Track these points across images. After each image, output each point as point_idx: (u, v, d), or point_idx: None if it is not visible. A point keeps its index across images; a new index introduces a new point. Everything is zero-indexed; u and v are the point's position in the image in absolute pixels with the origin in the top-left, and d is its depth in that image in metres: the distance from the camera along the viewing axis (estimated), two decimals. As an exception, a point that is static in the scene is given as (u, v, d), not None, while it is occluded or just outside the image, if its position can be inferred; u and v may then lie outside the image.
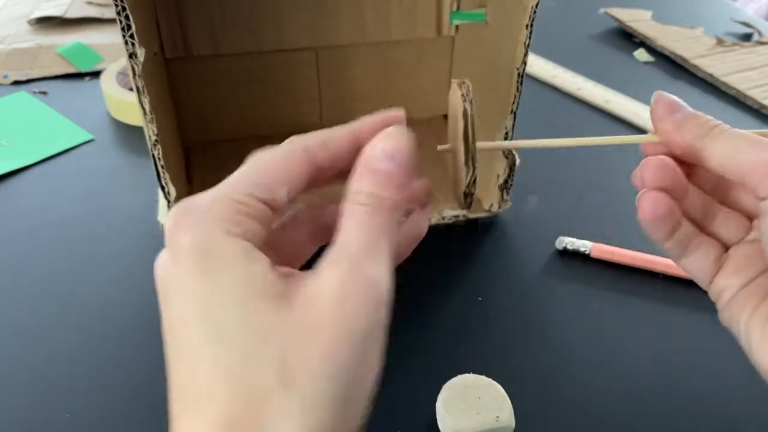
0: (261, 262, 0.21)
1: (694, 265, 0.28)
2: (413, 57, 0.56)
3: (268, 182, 0.23)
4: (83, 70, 0.69)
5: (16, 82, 0.67)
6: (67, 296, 0.44)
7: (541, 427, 0.37)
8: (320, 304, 0.20)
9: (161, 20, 0.49)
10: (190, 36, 0.50)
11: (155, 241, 0.47)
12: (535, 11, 0.40)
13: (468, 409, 0.35)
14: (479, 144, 0.27)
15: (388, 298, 0.21)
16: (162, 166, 0.39)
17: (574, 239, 0.48)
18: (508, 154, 0.46)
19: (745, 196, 0.28)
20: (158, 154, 0.39)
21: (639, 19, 0.80)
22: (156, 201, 0.45)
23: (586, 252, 0.47)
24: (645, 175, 0.27)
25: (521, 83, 0.43)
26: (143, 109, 0.37)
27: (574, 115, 0.65)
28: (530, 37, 0.41)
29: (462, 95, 0.26)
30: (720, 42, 0.76)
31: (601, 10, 0.83)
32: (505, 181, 0.47)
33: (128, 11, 0.34)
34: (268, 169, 0.24)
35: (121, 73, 0.64)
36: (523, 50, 0.41)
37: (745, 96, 0.67)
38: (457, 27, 0.55)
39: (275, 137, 0.62)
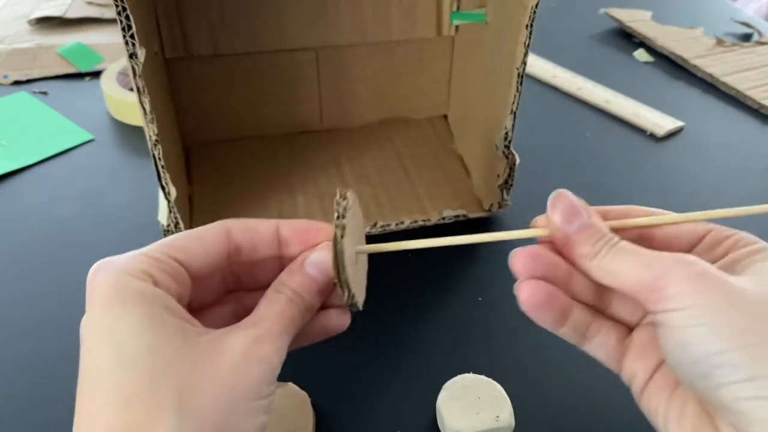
0: (165, 303, 0.24)
1: (596, 350, 0.28)
2: (413, 57, 0.56)
3: (184, 246, 0.26)
4: (83, 70, 0.69)
5: (17, 82, 0.67)
6: (68, 296, 0.44)
7: (541, 427, 0.37)
8: (226, 355, 0.23)
9: (161, 20, 0.49)
10: (190, 36, 0.50)
11: (155, 241, 0.47)
12: (534, 11, 0.40)
13: (468, 409, 0.35)
14: (359, 248, 0.28)
15: (276, 369, 0.25)
16: (162, 166, 0.39)
17: (574, 239, 0.48)
18: (508, 154, 0.46)
19: None
20: (158, 154, 0.39)
21: (639, 20, 0.80)
22: (156, 201, 0.45)
23: (586, 252, 0.47)
24: (516, 266, 0.27)
25: (521, 83, 0.43)
26: (143, 109, 0.37)
27: (574, 115, 0.65)
28: (530, 37, 0.41)
29: (336, 215, 0.26)
30: (720, 42, 0.76)
31: (601, 11, 0.83)
32: (505, 181, 0.47)
33: (128, 11, 0.34)
34: (187, 236, 0.27)
35: (122, 73, 0.64)
36: (523, 50, 0.41)
37: (745, 96, 0.67)
38: (457, 27, 0.55)
39: (275, 137, 0.63)
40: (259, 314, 0.26)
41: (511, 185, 0.48)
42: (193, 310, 0.27)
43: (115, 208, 0.52)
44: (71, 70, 0.69)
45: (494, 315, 0.43)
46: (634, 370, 0.27)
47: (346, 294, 0.26)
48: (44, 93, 0.66)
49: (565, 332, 0.28)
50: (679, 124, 0.63)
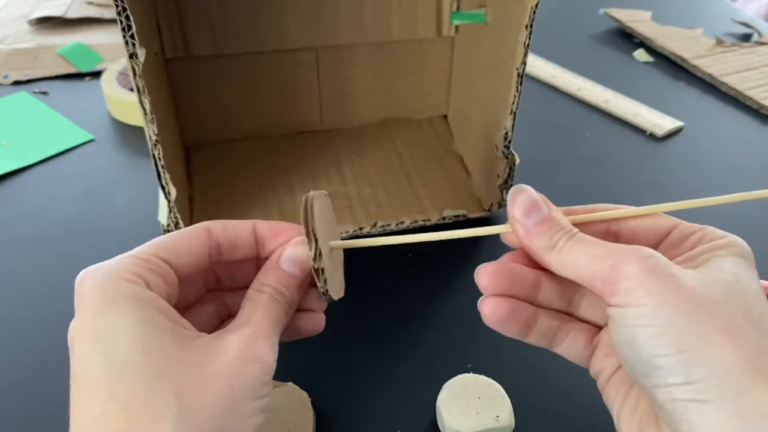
0: (156, 305, 0.24)
1: (565, 352, 0.29)
2: (413, 57, 0.57)
3: (171, 246, 0.27)
4: (83, 70, 0.69)
5: (17, 82, 0.67)
6: (68, 296, 0.44)
7: (541, 427, 0.37)
8: (221, 357, 0.24)
9: (161, 20, 0.49)
10: (190, 36, 0.50)
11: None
12: (534, 11, 0.40)
13: (468, 409, 0.35)
14: (333, 243, 0.29)
15: (271, 367, 0.25)
16: (162, 166, 0.39)
17: (574, 239, 0.48)
18: (508, 154, 0.46)
19: None
20: (158, 154, 0.39)
21: (638, 20, 0.80)
22: (156, 201, 0.45)
23: (586, 252, 0.47)
24: (481, 282, 0.28)
25: (521, 83, 0.43)
26: (143, 109, 0.37)
27: (573, 115, 0.65)
28: (530, 38, 0.41)
29: (304, 198, 0.28)
30: (719, 42, 0.76)
31: (601, 11, 0.83)
32: (505, 181, 0.47)
33: (129, 11, 0.34)
34: (172, 237, 0.27)
35: (122, 74, 0.64)
36: (523, 50, 0.41)
37: (745, 96, 0.67)
38: (456, 27, 0.55)
39: (275, 137, 0.63)
40: (246, 315, 0.26)
41: (511, 185, 0.48)
42: (178, 310, 0.27)
43: (115, 208, 0.52)
44: (71, 70, 0.69)
45: (494, 315, 0.43)
46: (600, 367, 0.28)
47: (313, 245, 0.27)
48: (44, 93, 0.66)
49: (532, 340, 0.29)
50: (678, 124, 0.63)
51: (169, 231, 0.42)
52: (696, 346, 0.22)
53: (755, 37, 0.80)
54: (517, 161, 0.46)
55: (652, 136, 0.62)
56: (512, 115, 0.44)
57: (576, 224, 0.27)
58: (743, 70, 0.71)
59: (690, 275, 0.24)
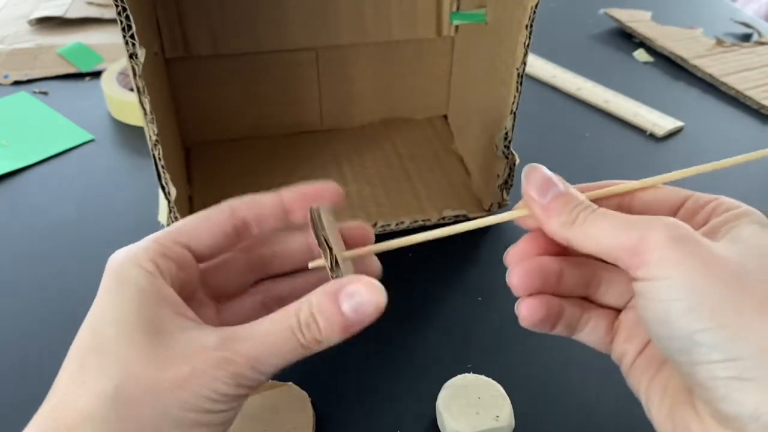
0: (158, 294, 0.25)
1: (587, 338, 0.29)
2: (413, 57, 0.57)
3: (190, 230, 0.27)
4: (83, 70, 0.69)
5: (17, 82, 0.67)
6: (68, 296, 0.44)
7: (541, 427, 0.37)
8: (175, 361, 0.23)
9: (162, 20, 0.49)
10: (190, 36, 0.50)
11: (155, 241, 0.47)
12: (534, 11, 0.40)
13: (468, 409, 0.35)
14: (347, 253, 0.28)
15: (221, 394, 0.23)
16: (162, 166, 0.39)
17: (574, 239, 0.48)
18: (508, 154, 0.46)
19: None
20: (159, 154, 0.39)
21: (638, 20, 0.80)
22: (156, 201, 0.45)
23: (586, 252, 0.47)
24: (513, 283, 0.27)
25: (521, 83, 0.43)
26: (144, 109, 0.37)
27: (573, 115, 0.65)
28: (530, 38, 0.41)
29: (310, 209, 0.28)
30: (719, 42, 0.76)
31: (601, 11, 0.83)
32: (505, 181, 0.47)
33: (129, 11, 0.34)
34: (194, 220, 0.28)
35: (122, 74, 0.64)
36: (523, 50, 0.41)
37: (745, 96, 0.67)
38: (456, 27, 0.55)
39: (275, 137, 0.63)
40: (250, 331, 0.24)
41: (511, 185, 0.48)
42: (218, 299, 0.29)
43: (115, 208, 0.52)
44: (71, 70, 0.69)
45: (494, 315, 0.43)
46: (622, 351, 0.27)
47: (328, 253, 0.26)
48: (44, 93, 0.66)
49: (556, 331, 0.28)
50: (678, 124, 0.63)
51: (169, 231, 0.42)
52: (735, 320, 0.21)
53: (755, 37, 0.80)
54: (517, 161, 0.46)
55: (653, 136, 0.62)
56: (512, 115, 0.44)
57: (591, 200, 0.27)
58: (743, 70, 0.71)
59: (719, 245, 0.23)
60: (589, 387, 0.39)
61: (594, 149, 0.60)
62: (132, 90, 0.59)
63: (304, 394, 0.36)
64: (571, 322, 0.28)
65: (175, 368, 0.23)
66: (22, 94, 0.65)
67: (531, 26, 0.40)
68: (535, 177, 0.27)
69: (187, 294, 0.28)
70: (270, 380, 0.37)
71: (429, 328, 0.42)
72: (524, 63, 0.42)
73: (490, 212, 0.50)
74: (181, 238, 0.27)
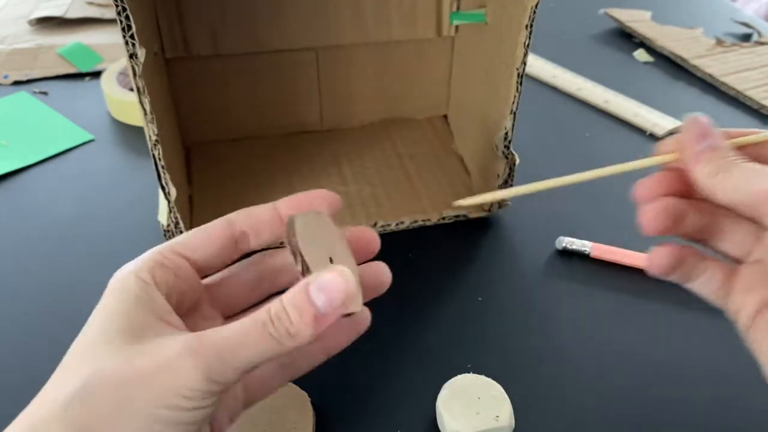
0: (150, 305, 0.25)
1: (701, 289, 0.29)
2: (413, 57, 0.57)
3: (189, 242, 0.28)
4: (83, 70, 0.69)
5: (17, 82, 0.67)
6: (68, 296, 0.44)
7: (541, 427, 0.37)
8: (149, 357, 0.24)
9: (161, 20, 0.49)
10: (190, 36, 0.50)
11: (155, 241, 0.47)
12: (534, 11, 0.40)
13: (468, 409, 0.35)
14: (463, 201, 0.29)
15: (192, 389, 0.23)
16: (162, 166, 0.39)
17: (574, 239, 0.48)
18: (508, 154, 0.46)
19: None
20: (159, 154, 0.39)
21: (638, 20, 0.80)
22: (156, 201, 0.45)
23: (586, 252, 0.47)
24: (645, 222, 0.28)
25: (521, 83, 0.43)
26: (143, 109, 0.37)
27: (573, 116, 0.65)
28: (530, 38, 0.41)
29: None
30: (719, 42, 0.76)
31: (601, 11, 0.83)
32: (505, 181, 0.47)
33: (129, 11, 0.34)
34: (193, 232, 0.29)
35: (122, 74, 0.64)
36: (523, 50, 0.41)
37: (745, 96, 0.67)
38: (456, 27, 0.55)
39: (275, 137, 0.63)
40: (223, 328, 0.24)
41: (511, 185, 0.48)
42: (229, 314, 0.29)
43: (115, 208, 0.52)
44: (71, 70, 0.69)
45: (494, 315, 0.43)
46: (740, 304, 0.27)
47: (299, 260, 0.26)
48: (44, 93, 0.66)
49: (673, 277, 0.28)
50: (678, 124, 0.63)
51: (169, 231, 0.42)
52: None
53: (755, 37, 0.80)
54: (517, 161, 0.46)
55: (653, 136, 0.62)
56: (512, 115, 0.44)
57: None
58: (743, 70, 0.71)
59: None
60: (590, 387, 0.39)
61: (594, 149, 0.60)
62: (132, 90, 0.59)
63: (304, 394, 0.36)
64: (688, 268, 0.28)
65: (144, 362, 0.23)
66: (22, 94, 0.65)
67: (531, 26, 0.40)
68: (695, 125, 0.27)
69: (189, 305, 0.28)
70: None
71: (429, 328, 0.42)
72: (524, 63, 0.42)
73: (490, 212, 0.50)
74: (179, 248, 0.28)
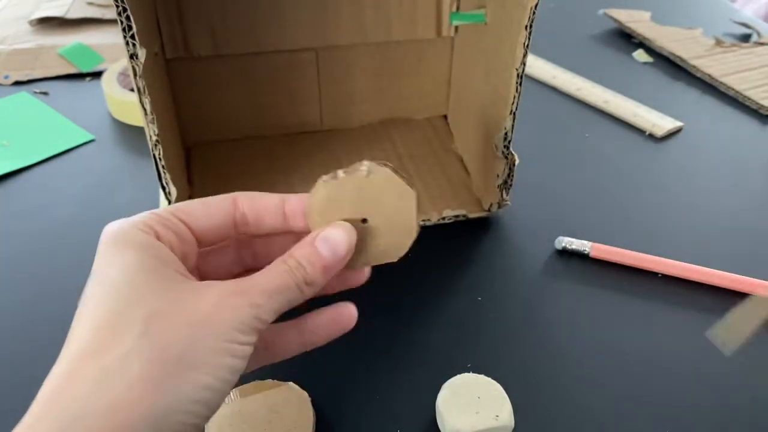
0: (160, 253, 0.26)
1: None
2: (413, 57, 0.57)
3: (190, 209, 0.28)
4: (84, 70, 0.69)
5: (17, 83, 0.67)
6: (68, 296, 0.44)
7: (541, 426, 0.37)
8: (199, 297, 0.25)
9: (162, 21, 0.49)
10: (190, 36, 0.50)
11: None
12: (534, 12, 0.40)
13: (467, 409, 0.35)
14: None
15: (247, 322, 0.25)
16: (163, 166, 0.39)
17: (574, 239, 0.48)
18: (507, 154, 0.46)
19: None
20: (159, 154, 0.39)
21: (638, 20, 0.80)
22: (156, 201, 0.45)
23: (586, 252, 0.47)
24: None
25: (521, 84, 0.43)
26: (144, 109, 0.37)
27: (573, 116, 0.65)
28: (529, 38, 0.41)
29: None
30: (719, 42, 0.76)
31: (601, 11, 0.83)
32: (505, 181, 0.47)
33: (129, 12, 0.34)
34: (194, 201, 0.29)
35: (122, 74, 0.64)
36: (523, 51, 0.41)
37: (744, 96, 0.67)
38: (456, 27, 0.55)
39: (275, 137, 0.63)
40: (253, 276, 0.27)
41: (511, 185, 0.48)
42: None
43: (115, 208, 0.52)
44: (72, 70, 0.69)
45: (494, 315, 0.43)
46: None
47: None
48: (45, 93, 0.66)
49: None
50: (678, 124, 0.63)
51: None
52: None
53: (754, 38, 0.80)
54: (517, 161, 0.47)
55: (652, 136, 0.62)
56: (512, 115, 0.44)
57: None
58: (742, 70, 0.71)
59: None
60: (590, 387, 0.39)
61: (594, 149, 0.60)
62: (132, 90, 0.60)
63: (304, 394, 0.36)
64: None
65: (203, 302, 0.25)
66: (23, 95, 0.65)
67: (531, 26, 0.40)
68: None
69: (189, 268, 0.29)
70: (270, 380, 0.37)
71: (429, 328, 0.42)
72: (524, 63, 0.42)
73: (489, 212, 0.50)
74: (178, 213, 0.28)
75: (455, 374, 0.37)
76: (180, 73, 0.52)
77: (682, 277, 0.46)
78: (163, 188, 0.40)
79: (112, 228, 0.27)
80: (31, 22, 0.76)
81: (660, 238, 0.49)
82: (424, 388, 0.38)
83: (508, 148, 0.46)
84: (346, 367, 0.40)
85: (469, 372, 0.37)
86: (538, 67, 0.72)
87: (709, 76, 0.70)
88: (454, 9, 0.54)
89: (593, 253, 0.47)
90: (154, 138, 0.38)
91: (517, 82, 0.43)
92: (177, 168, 0.46)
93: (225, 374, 0.24)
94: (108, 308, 0.24)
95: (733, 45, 0.76)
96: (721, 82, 0.69)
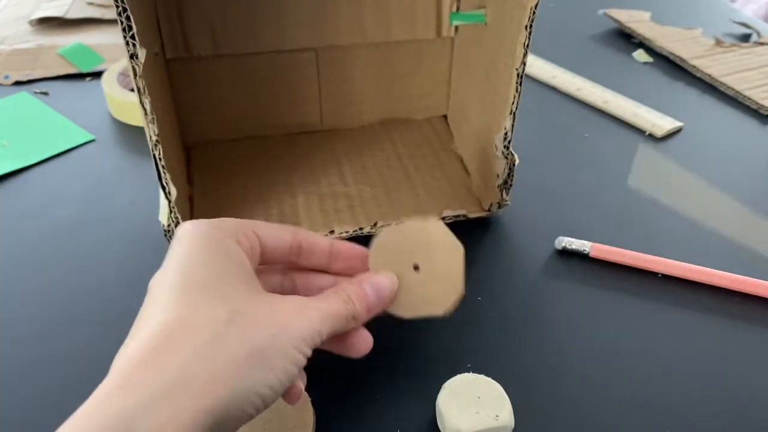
0: (240, 258, 0.29)
1: None
2: (413, 57, 0.57)
3: (263, 227, 0.31)
4: (84, 70, 0.69)
5: (17, 83, 0.67)
6: (68, 296, 0.44)
7: (541, 426, 0.37)
8: (279, 304, 0.28)
9: (162, 21, 0.49)
10: (190, 36, 0.50)
11: (156, 241, 0.47)
12: (534, 12, 0.40)
13: (467, 409, 0.35)
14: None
15: (311, 336, 0.28)
16: (163, 166, 0.39)
17: (573, 239, 0.48)
18: (507, 154, 0.46)
19: None
20: (159, 154, 0.39)
21: (638, 20, 0.80)
22: (156, 201, 0.45)
23: (586, 252, 0.47)
24: None
25: (521, 84, 0.43)
26: (144, 109, 0.37)
27: (573, 116, 0.65)
28: (529, 38, 0.41)
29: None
30: (719, 42, 0.76)
31: (600, 11, 0.83)
32: (505, 181, 0.47)
33: (129, 12, 0.34)
34: (268, 224, 0.32)
35: (122, 74, 0.64)
36: (523, 51, 0.41)
37: (744, 96, 0.67)
38: (456, 28, 0.55)
39: (275, 137, 0.63)
40: (312, 298, 0.30)
41: (511, 185, 0.48)
42: None
43: (115, 208, 0.52)
44: (72, 70, 0.69)
45: (494, 315, 0.43)
46: None
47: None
48: (45, 93, 0.66)
49: None
50: (678, 124, 0.63)
51: (169, 231, 0.42)
52: None
53: (754, 38, 0.80)
54: (517, 161, 0.47)
55: (652, 136, 0.62)
56: (512, 115, 0.44)
57: None
58: (742, 70, 0.71)
59: None
60: (589, 386, 0.39)
61: (593, 149, 0.60)
62: (132, 90, 0.60)
63: (305, 394, 0.36)
64: None
65: (281, 310, 0.27)
66: (23, 95, 0.65)
67: (531, 27, 0.40)
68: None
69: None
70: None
71: (429, 328, 0.42)
72: (524, 63, 0.42)
73: (489, 212, 0.50)
74: (255, 228, 0.31)
75: (455, 374, 0.37)
76: (180, 73, 0.52)
77: (682, 277, 0.46)
78: (163, 188, 0.40)
79: (195, 225, 0.29)
80: (31, 22, 0.76)
81: (660, 238, 0.49)
82: (424, 388, 0.38)
83: (508, 148, 0.46)
84: (346, 367, 0.40)
85: (469, 372, 0.37)
86: (538, 67, 0.72)
87: (709, 76, 0.70)
88: (454, 9, 0.54)
89: (593, 253, 0.47)
90: (154, 138, 0.38)
91: (517, 82, 0.43)
92: (177, 168, 0.46)
93: (284, 378, 0.26)
94: (195, 296, 0.26)
95: (733, 45, 0.76)
96: (721, 82, 0.69)
